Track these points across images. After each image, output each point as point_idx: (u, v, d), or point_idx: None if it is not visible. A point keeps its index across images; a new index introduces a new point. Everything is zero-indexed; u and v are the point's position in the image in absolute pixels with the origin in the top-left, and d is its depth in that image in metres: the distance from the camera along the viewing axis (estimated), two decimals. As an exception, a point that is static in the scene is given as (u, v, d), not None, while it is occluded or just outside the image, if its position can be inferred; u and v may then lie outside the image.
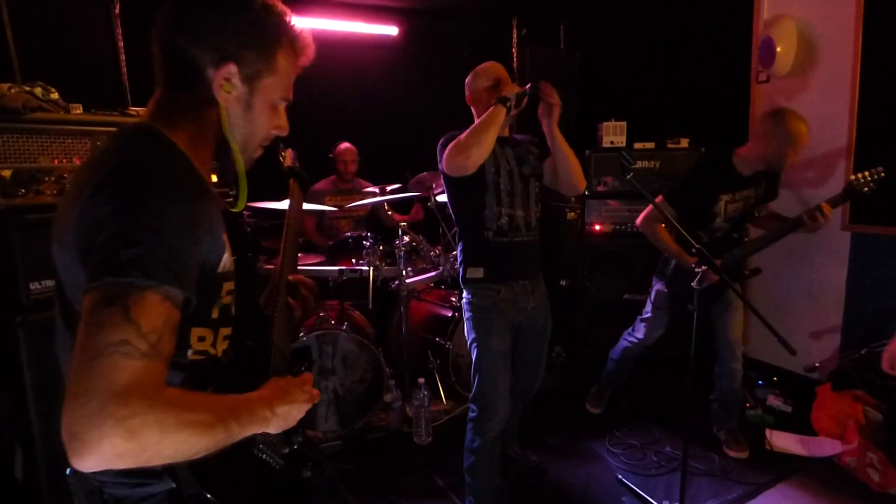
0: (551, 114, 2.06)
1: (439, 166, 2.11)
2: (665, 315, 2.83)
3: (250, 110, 0.94)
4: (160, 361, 0.70)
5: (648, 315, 2.84)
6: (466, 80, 2.23)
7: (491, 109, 1.98)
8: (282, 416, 0.85)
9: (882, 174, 2.38)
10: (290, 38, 0.95)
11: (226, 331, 0.95)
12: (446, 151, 2.02)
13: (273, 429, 0.84)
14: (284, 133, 1.03)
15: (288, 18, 0.95)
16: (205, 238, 0.83)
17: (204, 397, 0.77)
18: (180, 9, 0.89)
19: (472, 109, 2.23)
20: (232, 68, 0.89)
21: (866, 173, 2.39)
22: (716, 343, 2.68)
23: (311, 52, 0.99)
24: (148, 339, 0.69)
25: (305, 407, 0.90)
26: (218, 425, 0.73)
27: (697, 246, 2.00)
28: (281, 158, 1.51)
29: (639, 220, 2.64)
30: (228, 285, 0.93)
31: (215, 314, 0.91)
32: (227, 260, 0.91)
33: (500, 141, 2.11)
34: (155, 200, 0.75)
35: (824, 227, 2.42)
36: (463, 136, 1.98)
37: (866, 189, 2.39)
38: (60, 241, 0.82)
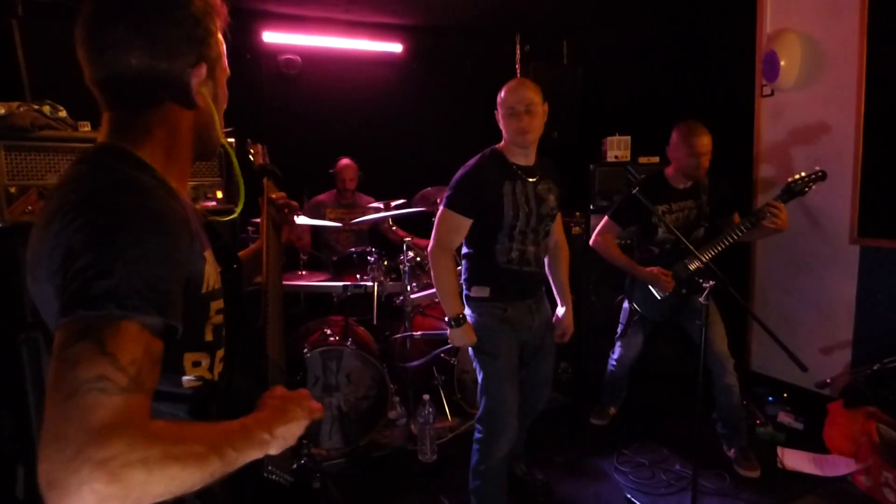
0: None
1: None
2: (637, 332, 2.91)
3: (217, 101, 0.93)
4: (142, 395, 0.66)
5: (622, 334, 2.94)
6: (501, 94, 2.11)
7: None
8: (281, 436, 0.81)
9: (820, 175, 2.44)
10: (219, 15, 0.91)
11: (221, 353, 0.92)
12: (434, 237, 2.09)
13: (274, 450, 0.81)
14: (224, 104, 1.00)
15: None
16: (185, 260, 0.78)
17: (195, 427, 0.74)
18: (124, 29, 0.81)
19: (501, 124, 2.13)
20: (203, 70, 0.87)
21: (804, 174, 2.46)
22: (703, 360, 2.66)
23: (226, 15, 0.94)
24: (127, 372, 0.64)
25: (305, 423, 0.87)
26: (211, 455, 0.68)
27: (704, 260, 1.99)
28: (251, 156, 1.37)
29: (592, 239, 2.85)
30: (217, 304, 0.89)
31: (209, 336, 0.88)
32: (211, 278, 0.87)
33: (525, 173, 2.08)
34: (128, 227, 0.70)
35: (831, 240, 2.42)
36: (435, 276, 2.09)
37: (806, 189, 2.45)
38: (34, 275, 0.77)
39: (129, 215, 0.72)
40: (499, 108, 2.07)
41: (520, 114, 2.00)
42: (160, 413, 0.80)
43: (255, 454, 0.77)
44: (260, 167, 1.34)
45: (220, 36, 0.92)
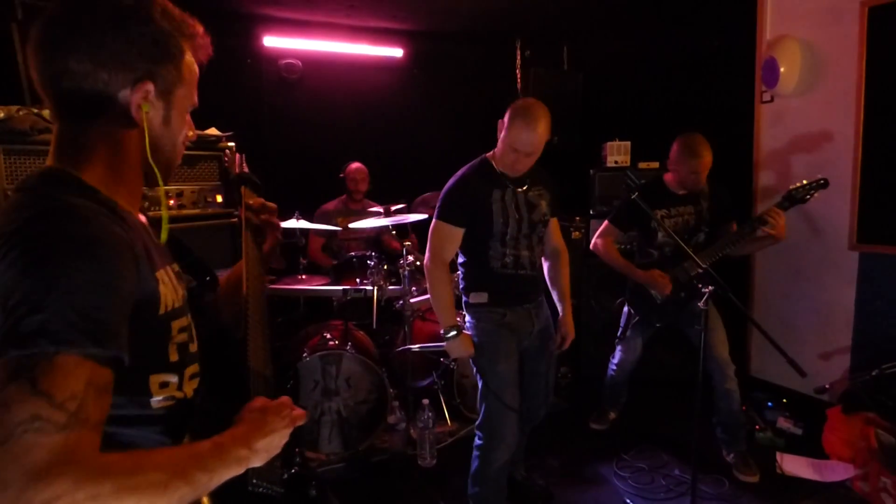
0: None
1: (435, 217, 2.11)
2: (636, 335, 2.91)
3: (169, 125, 0.88)
4: (86, 430, 0.64)
5: (622, 338, 2.94)
6: (508, 112, 2.03)
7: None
8: (263, 449, 0.80)
9: (822, 182, 2.44)
10: (191, 42, 0.88)
11: (192, 369, 0.89)
12: (429, 250, 2.09)
13: (256, 463, 0.80)
14: (194, 138, 0.97)
15: (185, 20, 0.87)
16: (129, 286, 0.74)
17: (154, 454, 0.71)
18: (71, 31, 0.78)
19: (499, 136, 2.08)
20: (149, 87, 0.82)
21: (805, 181, 2.47)
22: (704, 365, 2.66)
23: (208, 48, 0.91)
24: (65, 409, 0.62)
25: (287, 432, 0.85)
26: (175, 481, 0.67)
27: (704, 266, 1.99)
28: (226, 164, 1.35)
29: (592, 242, 2.84)
30: (179, 322, 0.86)
31: (174, 356, 0.85)
32: (169, 298, 0.84)
33: (514, 181, 2.08)
34: (59, 258, 0.67)
35: (831, 245, 2.41)
36: (431, 288, 2.10)
37: (807, 197, 2.45)
38: None
39: (61, 245, 0.69)
40: (504, 130, 2.02)
41: (519, 155, 1.99)
42: (130, 439, 0.79)
43: (232, 471, 0.76)
44: (237, 176, 1.34)
45: (189, 62, 0.88)
